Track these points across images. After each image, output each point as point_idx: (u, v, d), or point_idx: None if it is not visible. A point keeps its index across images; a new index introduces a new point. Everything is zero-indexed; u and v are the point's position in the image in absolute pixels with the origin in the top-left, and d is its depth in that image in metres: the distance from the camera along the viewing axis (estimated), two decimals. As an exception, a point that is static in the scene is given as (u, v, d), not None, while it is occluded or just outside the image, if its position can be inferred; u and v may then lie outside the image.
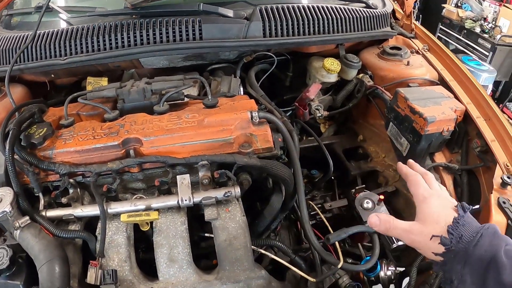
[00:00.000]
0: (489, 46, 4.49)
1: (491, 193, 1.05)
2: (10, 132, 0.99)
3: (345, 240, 1.34)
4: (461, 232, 0.69)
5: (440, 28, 5.32)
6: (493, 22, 4.68)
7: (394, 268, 1.18)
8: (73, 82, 1.58)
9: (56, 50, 1.34)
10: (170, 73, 1.36)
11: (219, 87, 1.41)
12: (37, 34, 1.36)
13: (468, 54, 4.65)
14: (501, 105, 4.39)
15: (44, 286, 0.85)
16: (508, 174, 1.10)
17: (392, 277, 1.18)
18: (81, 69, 1.43)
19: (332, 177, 1.51)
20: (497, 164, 1.12)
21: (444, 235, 0.70)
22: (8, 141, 0.96)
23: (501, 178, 1.07)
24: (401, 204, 1.36)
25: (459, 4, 5.19)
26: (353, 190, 1.27)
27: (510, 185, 1.06)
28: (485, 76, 4.02)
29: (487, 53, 4.51)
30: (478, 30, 4.71)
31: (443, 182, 1.26)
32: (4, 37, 1.43)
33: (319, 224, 1.32)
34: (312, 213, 1.34)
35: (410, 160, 0.94)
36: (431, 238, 0.71)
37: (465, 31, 4.88)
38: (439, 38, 5.24)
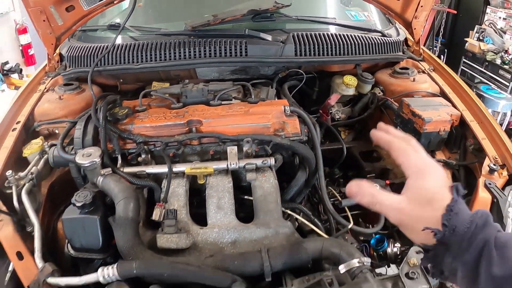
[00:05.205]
0: (509, 76, 4.59)
1: (479, 177, 1.28)
2: (102, 108, 1.31)
3: (358, 222, 1.55)
4: (454, 222, 0.59)
5: (464, 61, 5.34)
6: (514, 54, 4.73)
7: (399, 245, 1.39)
8: (136, 88, 1.92)
9: (130, 57, 1.68)
10: (219, 84, 1.69)
11: (259, 95, 1.74)
12: (115, 44, 1.71)
13: (488, 84, 4.77)
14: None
15: (120, 215, 1.09)
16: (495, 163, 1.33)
17: (398, 253, 1.38)
18: (147, 76, 1.80)
19: (350, 175, 1.76)
20: (487, 156, 1.35)
21: (437, 226, 0.60)
22: (101, 113, 1.29)
23: (488, 165, 1.31)
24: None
25: (480, 38, 5.23)
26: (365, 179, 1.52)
27: (496, 171, 1.29)
28: (503, 104, 4.15)
29: (508, 83, 4.60)
30: (498, 61, 4.79)
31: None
32: (83, 47, 1.77)
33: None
34: (331, 200, 1.58)
35: (381, 124, 0.77)
36: (423, 229, 0.61)
37: (487, 63, 4.93)
38: (462, 71, 5.25)
